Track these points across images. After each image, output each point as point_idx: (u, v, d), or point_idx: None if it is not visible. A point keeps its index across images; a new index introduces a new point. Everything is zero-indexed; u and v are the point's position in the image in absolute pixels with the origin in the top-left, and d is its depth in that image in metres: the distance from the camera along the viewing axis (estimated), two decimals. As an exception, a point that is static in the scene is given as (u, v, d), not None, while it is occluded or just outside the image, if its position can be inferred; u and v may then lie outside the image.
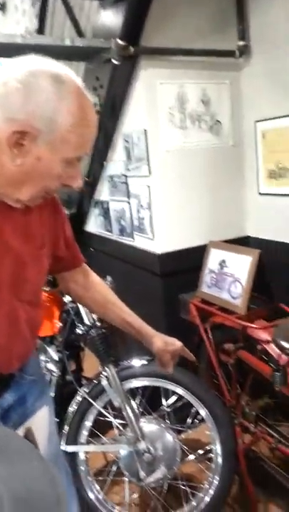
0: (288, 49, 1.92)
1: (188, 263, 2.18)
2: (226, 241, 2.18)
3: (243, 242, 2.26)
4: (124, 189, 2.41)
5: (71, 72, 0.81)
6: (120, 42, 1.91)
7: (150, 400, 1.90)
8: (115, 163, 2.47)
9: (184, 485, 1.79)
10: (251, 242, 2.32)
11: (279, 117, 2.02)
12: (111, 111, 2.29)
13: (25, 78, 0.76)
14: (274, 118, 2.05)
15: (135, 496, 1.91)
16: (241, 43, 2.09)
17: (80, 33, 2.51)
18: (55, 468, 0.69)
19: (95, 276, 1.33)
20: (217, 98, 2.16)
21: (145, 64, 2.01)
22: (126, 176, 2.37)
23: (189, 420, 1.86)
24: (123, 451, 1.76)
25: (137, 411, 1.76)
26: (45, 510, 0.48)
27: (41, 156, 0.80)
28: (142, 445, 1.69)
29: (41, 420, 1.20)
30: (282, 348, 1.46)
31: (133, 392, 1.85)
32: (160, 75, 2.03)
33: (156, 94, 2.04)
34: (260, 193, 2.24)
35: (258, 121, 2.14)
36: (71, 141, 0.80)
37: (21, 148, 0.79)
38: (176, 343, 1.28)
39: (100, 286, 1.32)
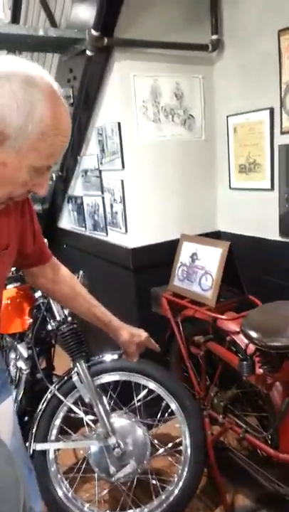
0: (259, 44, 1.94)
1: (160, 257, 2.18)
2: (198, 235, 2.19)
3: (214, 237, 2.27)
4: (98, 183, 2.39)
5: (46, 75, 0.77)
6: (94, 33, 1.89)
7: (121, 395, 1.88)
8: (89, 158, 2.45)
9: (153, 479, 1.79)
10: (222, 236, 2.34)
11: (249, 112, 2.04)
12: (84, 103, 2.27)
13: (6, 86, 0.72)
14: (245, 112, 2.07)
15: (105, 492, 1.89)
16: (214, 37, 2.10)
17: (54, 24, 2.48)
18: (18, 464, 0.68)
19: (64, 270, 1.33)
20: (190, 92, 2.17)
21: (119, 56, 2.00)
22: (100, 170, 2.35)
23: (160, 414, 1.86)
24: (93, 447, 1.74)
25: (107, 406, 1.74)
26: (5, 489, 0.47)
27: (7, 162, 0.76)
28: (112, 440, 1.68)
29: (5, 411, 1.18)
30: (249, 338, 1.47)
31: (104, 388, 1.83)
32: (134, 68, 2.03)
33: (130, 86, 2.03)
34: (231, 188, 2.26)
35: (230, 115, 2.16)
36: (40, 150, 0.76)
37: None
38: (142, 334, 1.35)
39: (70, 280, 1.32)
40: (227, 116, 2.18)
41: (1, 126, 0.72)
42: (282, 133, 1.93)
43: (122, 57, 2.00)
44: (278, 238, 2.05)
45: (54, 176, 2.74)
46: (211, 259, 1.83)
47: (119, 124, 2.05)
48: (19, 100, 0.71)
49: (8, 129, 0.72)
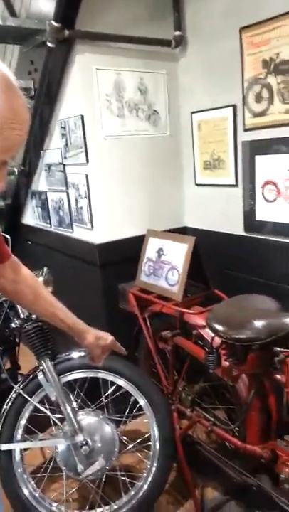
0: (222, 41, 1.96)
1: (127, 253, 2.17)
2: (165, 231, 2.19)
3: (181, 232, 2.28)
4: (62, 178, 2.34)
5: (2, 66, 0.74)
6: (55, 24, 1.85)
7: (88, 392, 1.86)
8: (52, 152, 2.40)
9: (122, 475, 1.78)
10: (189, 232, 2.36)
11: (213, 109, 2.06)
12: (46, 96, 2.22)
13: None
14: (208, 109, 2.09)
15: (73, 490, 1.86)
16: (177, 33, 2.11)
17: (13, 14, 2.41)
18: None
19: (25, 271, 1.27)
20: (154, 88, 2.16)
21: (81, 48, 1.96)
22: (64, 165, 2.31)
23: (128, 410, 1.85)
24: (60, 445, 1.71)
25: (74, 404, 1.72)
26: None
27: None
28: (80, 438, 1.66)
29: None
30: (215, 331, 1.49)
31: (71, 385, 1.81)
32: (97, 61, 1.99)
33: (92, 79, 2.00)
34: (196, 184, 2.27)
35: (194, 112, 2.17)
36: None
37: None
38: (108, 338, 1.31)
39: (31, 281, 1.26)
40: (191, 113, 2.19)
41: None
42: (245, 130, 1.96)
43: (84, 50, 1.97)
44: (243, 233, 2.09)
45: (16, 170, 2.67)
46: (177, 254, 1.84)
47: (82, 117, 2.02)
48: None
49: None
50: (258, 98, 1.85)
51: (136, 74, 2.10)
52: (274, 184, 1.88)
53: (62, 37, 1.87)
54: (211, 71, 2.06)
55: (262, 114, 1.86)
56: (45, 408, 1.74)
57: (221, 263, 2.16)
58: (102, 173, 2.11)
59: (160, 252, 1.93)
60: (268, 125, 1.85)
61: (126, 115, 2.08)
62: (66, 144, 2.21)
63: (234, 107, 1.97)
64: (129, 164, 2.17)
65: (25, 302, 1.29)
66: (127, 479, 1.77)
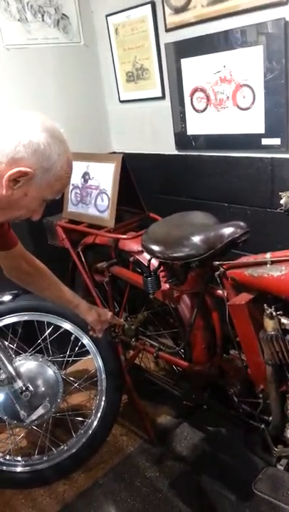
0: None
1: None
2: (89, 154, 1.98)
3: (109, 158, 2.09)
4: None
5: (50, 120, 0.94)
6: None
7: (24, 337, 1.73)
8: None
9: (70, 416, 1.71)
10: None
11: (129, 8, 1.82)
12: None
13: (43, 136, 0.89)
14: (124, 10, 1.84)
15: (19, 438, 1.78)
16: None
17: None
18: None
19: (31, 257, 1.38)
20: (59, -14, 1.86)
21: None
22: None
23: (70, 349, 1.75)
24: (-1, 395, 1.59)
25: (8, 350, 1.58)
26: None
27: (28, 193, 0.93)
28: (19, 384, 1.53)
29: None
30: (151, 252, 1.37)
31: (3, 331, 1.66)
32: None
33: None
34: (121, 101, 2.06)
35: (109, 14, 1.91)
36: (55, 188, 0.96)
37: (16, 183, 0.91)
38: (107, 314, 1.50)
39: (42, 269, 1.39)
40: (106, 16, 1.93)
41: (35, 167, 0.89)
42: (167, 30, 1.75)
43: None
44: (175, 152, 1.94)
45: None
46: (105, 175, 1.66)
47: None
48: (51, 151, 0.90)
49: (39, 170, 0.90)
50: (178, -11, 1.63)
51: None
52: (202, 91, 1.72)
53: None
54: None
55: (183, 9, 1.65)
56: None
57: (155, 186, 2.02)
58: (5, 91, 1.81)
59: (86, 176, 1.74)
60: (191, 22, 1.65)
61: (29, 19, 1.78)
62: None
63: (152, 3, 1.74)
64: (38, 79, 1.89)
65: (37, 288, 1.42)
66: (77, 419, 1.71)
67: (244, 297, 1.23)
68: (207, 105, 1.73)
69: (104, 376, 1.66)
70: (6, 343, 1.60)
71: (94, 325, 1.49)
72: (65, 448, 1.64)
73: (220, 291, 1.35)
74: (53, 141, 0.91)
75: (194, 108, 1.78)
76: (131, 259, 1.62)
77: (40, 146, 0.89)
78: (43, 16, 1.81)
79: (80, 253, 1.82)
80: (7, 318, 1.66)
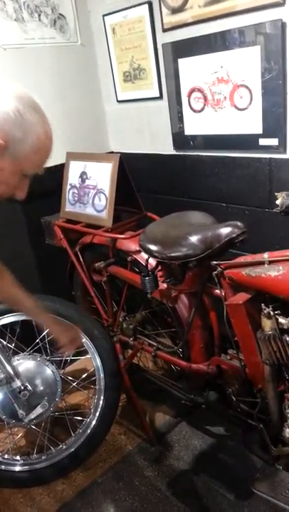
0: None
1: (48, 184, 1.94)
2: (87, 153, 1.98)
3: (106, 157, 2.09)
4: None
5: (26, 90, 0.88)
6: None
7: (23, 336, 1.73)
8: None
9: (69, 415, 1.71)
10: (116, 156, 2.17)
11: (126, 8, 1.81)
12: None
13: (13, 104, 0.84)
14: (121, 10, 1.84)
15: (18, 437, 1.79)
16: None
17: None
18: None
19: (6, 273, 1.33)
20: (56, -14, 1.85)
21: None
22: None
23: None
24: (-3, 394, 1.59)
25: (6, 349, 1.58)
26: None
27: (4, 167, 0.88)
28: (17, 384, 1.55)
29: None
30: (149, 252, 1.38)
31: (1, 331, 1.66)
32: None
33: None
34: (118, 101, 2.06)
35: (106, 14, 1.91)
36: (33, 161, 0.91)
37: None
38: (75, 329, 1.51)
39: (12, 284, 1.35)
40: (103, 16, 1.93)
41: (7, 138, 0.84)
42: (164, 30, 1.75)
43: None
44: (173, 152, 1.95)
45: None
46: (102, 175, 1.66)
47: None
48: (23, 120, 0.85)
49: (12, 141, 0.85)
50: (175, -11, 1.63)
51: None
52: (200, 91, 1.72)
53: None
54: None
55: (180, 9, 1.65)
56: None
57: (152, 186, 2.02)
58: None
59: (83, 175, 1.74)
60: (188, 22, 1.65)
61: (26, 19, 1.77)
62: None
63: (149, 3, 1.74)
64: (35, 80, 1.89)
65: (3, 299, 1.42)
66: (76, 418, 1.71)
67: (242, 297, 1.23)
68: (204, 105, 1.73)
69: (102, 375, 1.67)
70: (5, 342, 1.62)
71: (60, 338, 1.45)
72: (64, 447, 1.64)
73: (218, 291, 1.35)
74: (26, 110, 0.85)
75: (192, 108, 1.78)
76: (129, 258, 1.62)
77: (10, 115, 0.83)
78: (39, 15, 1.81)
79: (78, 253, 1.82)
80: (5, 318, 1.68)
